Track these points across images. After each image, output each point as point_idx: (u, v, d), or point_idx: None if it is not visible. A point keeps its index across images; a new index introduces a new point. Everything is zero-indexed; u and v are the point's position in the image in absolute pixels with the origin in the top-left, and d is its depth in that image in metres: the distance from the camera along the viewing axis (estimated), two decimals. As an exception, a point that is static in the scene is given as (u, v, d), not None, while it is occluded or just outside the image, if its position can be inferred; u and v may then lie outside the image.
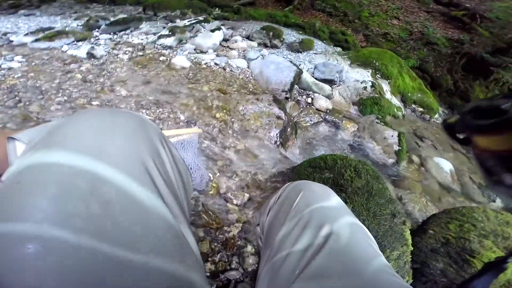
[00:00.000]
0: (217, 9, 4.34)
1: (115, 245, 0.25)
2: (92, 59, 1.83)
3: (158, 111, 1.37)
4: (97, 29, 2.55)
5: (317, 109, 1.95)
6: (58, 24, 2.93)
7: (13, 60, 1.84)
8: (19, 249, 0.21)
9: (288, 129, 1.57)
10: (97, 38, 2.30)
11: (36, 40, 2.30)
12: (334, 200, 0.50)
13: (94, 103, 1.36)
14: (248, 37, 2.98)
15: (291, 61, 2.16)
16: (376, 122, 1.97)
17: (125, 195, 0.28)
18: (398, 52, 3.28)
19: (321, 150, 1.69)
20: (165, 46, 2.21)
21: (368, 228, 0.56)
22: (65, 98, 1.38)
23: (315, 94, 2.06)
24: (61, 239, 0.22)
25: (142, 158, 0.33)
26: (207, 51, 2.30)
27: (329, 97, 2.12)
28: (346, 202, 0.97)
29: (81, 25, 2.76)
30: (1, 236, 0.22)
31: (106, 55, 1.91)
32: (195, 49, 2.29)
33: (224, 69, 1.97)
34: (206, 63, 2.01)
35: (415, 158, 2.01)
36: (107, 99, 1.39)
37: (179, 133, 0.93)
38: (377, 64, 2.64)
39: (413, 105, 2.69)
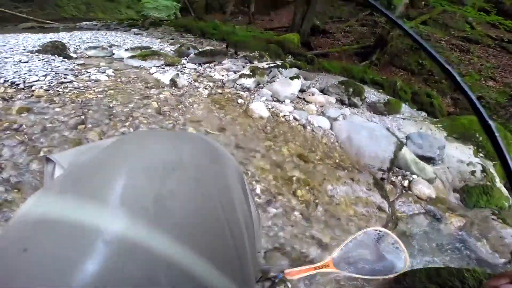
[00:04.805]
0: (290, 56, 4.14)
1: None
2: (173, 88, 1.59)
3: (228, 175, 0.97)
4: (186, 57, 2.44)
5: (416, 196, 1.35)
6: (156, 46, 2.97)
7: (104, 72, 1.71)
8: None
9: (389, 224, 1.01)
10: (183, 66, 2.14)
11: (132, 57, 2.25)
12: None
13: (158, 146, 1.02)
14: (322, 91, 2.58)
15: (388, 129, 1.63)
16: (492, 219, 1.31)
17: None
18: (495, 121, 2.45)
19: (418, 249, 1.11)
20: (244, 87, 1.91)
21: None
22: (131, 129, 1.08)
23: (414, 176, 1.45)
24: None
25: (216, 224, 0.20)
26: (284, 101, 1.94)
27: (430, 181, 1.48)
28: None
29: (173, 51, 2.72)
30: None
31: (187, 86, 1.66)
32: (272, 96, 1.95)
33: (304, 127, 1.55)
34: (284, 115, 1.62)
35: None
36: (174, 144, 1.05)
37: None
38: (480, 138, 1.90)
39: (520, 193, 1.86)
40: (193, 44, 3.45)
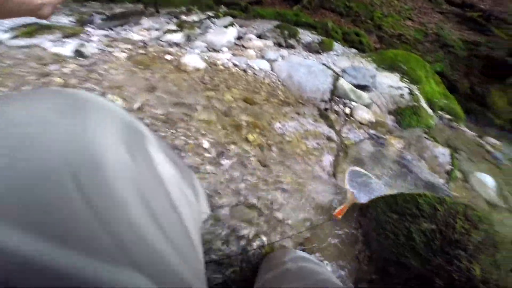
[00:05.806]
0: (223, 6, 3.76)
1: None
2: (80, 59, 1.29)
3: (170, 133, 0.86)
4: (90, 25, 1.98)
5: (359, 122, 1.46)
6: (48, 21, 2.33)
7: (-22, 60, 1.29)
8: None
9: (341, 154, 1.09)
10: (89, 34, 1.74)
11: (15, 37, 1.73)
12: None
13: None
14: (259, 37, 2.45)
15: (324, 64, 1.66)
16: (425, 138, 1.51)
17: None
18: (416, 55, 2.82)
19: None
20: (171, 43, 1.67)
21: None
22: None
23: (353, 103, 1.56)
24: None
25: (53, 187, 0.17)
26: (221, 50, 1.78)
27: (368, 106, 1.62)
28: (470, 263, 0.68)
29: (73, 21, 2.18)
30: None
31: (98, 54, 1.36)
32: (207, 47, 1.76)
33: (245, 71, 1.46)
34: (223, 63, 1.49)
35: (458, 173, 1.57)
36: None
37: None
38: (404, 67, 2.20)
39: (440, 112, 2.21)
40: (100, 10, 2.81)
